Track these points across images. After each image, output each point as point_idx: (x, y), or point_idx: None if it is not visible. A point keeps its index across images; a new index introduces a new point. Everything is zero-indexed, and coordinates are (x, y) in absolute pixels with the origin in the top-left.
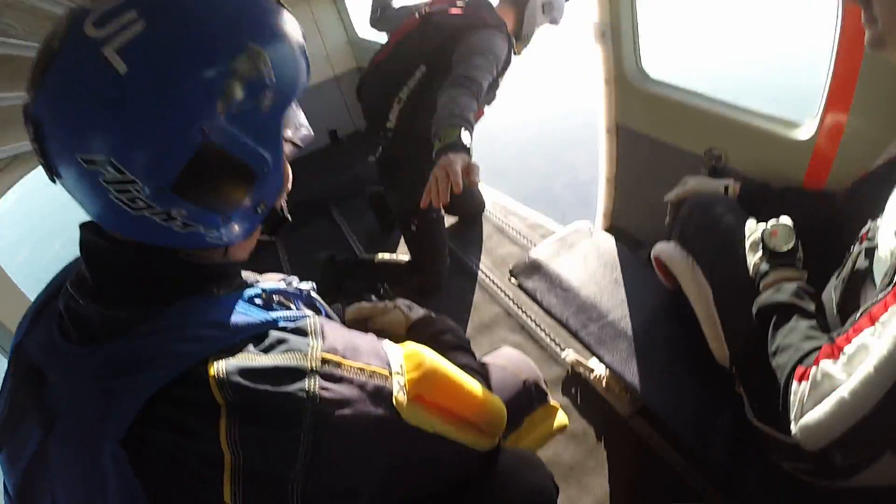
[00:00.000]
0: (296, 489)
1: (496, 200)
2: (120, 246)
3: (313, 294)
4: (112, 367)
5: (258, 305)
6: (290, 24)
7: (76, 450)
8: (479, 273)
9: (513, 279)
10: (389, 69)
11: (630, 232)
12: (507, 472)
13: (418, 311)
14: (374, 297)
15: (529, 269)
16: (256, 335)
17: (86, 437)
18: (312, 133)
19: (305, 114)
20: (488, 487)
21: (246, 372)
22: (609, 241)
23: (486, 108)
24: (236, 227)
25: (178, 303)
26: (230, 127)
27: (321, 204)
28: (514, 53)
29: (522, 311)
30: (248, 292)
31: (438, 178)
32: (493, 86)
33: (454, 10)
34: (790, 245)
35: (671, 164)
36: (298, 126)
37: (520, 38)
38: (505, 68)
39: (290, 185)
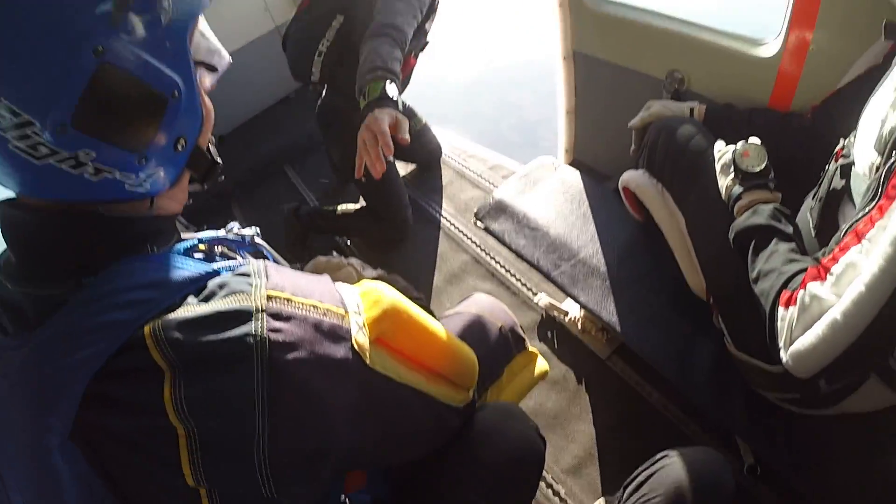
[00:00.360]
0: (261, 456)
1: (454, 143)
2: (39, 215)
3: (258, 240)
4: (44, 352)
5: (197, 259)
6: None
7: (22, 453)
8: (443, 220)
9: (479, 223)
10: (308, 20)
11: (594, 166)
12: (490, 429)
13: (371, 272)
14: (335, 253)
15: (495, 211)
16: (197, 289)
17: (29, 439)
18: (229, 57)
19: (247, 72)
20: (470, 446)
21: (184, 324)
22: (574, 175)
23: (421, 55)
24: (157, 172)
25: (109, 268)
26: (129, 44)
27: (275, 164)
28: None
29: (491, 258)
30: (184, 245)
31: (367, 141)
32: (421, 31)
33: None
34: (763, 165)
35: (633, 90)
36: (211, 49)
37: None
38: (432, 10)
39: (212, 120)
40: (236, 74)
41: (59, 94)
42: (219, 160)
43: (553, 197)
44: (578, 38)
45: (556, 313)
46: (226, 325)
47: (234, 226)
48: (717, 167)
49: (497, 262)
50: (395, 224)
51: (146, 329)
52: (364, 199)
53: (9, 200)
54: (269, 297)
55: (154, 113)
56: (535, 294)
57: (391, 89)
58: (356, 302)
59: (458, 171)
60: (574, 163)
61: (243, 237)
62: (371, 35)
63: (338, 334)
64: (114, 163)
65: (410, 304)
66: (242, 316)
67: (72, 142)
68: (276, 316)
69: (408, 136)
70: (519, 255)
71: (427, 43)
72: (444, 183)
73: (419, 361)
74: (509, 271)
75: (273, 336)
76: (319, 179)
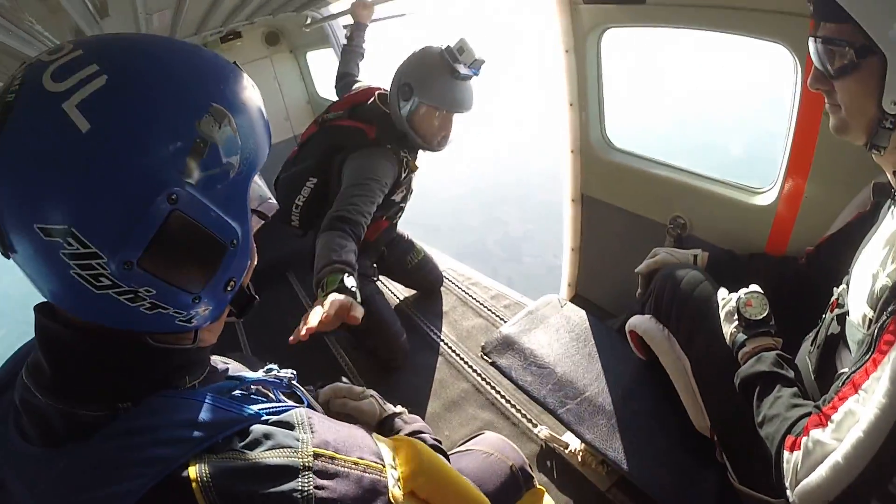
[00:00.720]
0: None
1: (456, 269)
2: (81, 333)
3: (294, 382)
4: (79, 476)
5: (237, 399)
6: (252, 88)
7: None
8: (443, 346)
9: (486, 357)
10: (293, 172)
11: (596, 302)
12: None
13: (391, 407)
14: (345, 380)
15: (502, 347)
16: (239, 432)
17: None
18: (276, 203)
19: (263, 174)
20: None
21: (232, 473)
22: (579, 314)
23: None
24: (206, 308)
25: (149, 399)
26: (199, 194)
27: (277, 269)
28: (406, 169)
29: (491, 388)
30: (225, 384)
31: (312, 309)
32: (390, 202)
33: (345, 122)
34: (764, 313)
35: (637, 232)
36: (262, 196)
37: (419, 141)
38: (397, 183)
39: (255, 261)
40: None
41: (131, 234)
42: (256, 297)
43: (559, 335)
44: (586, 182)
45: (556, 445)
46: (275, 480)
47: (274, 367)
48: (722, 314)
49: (498, 392)
50: (391, 354)
51: (191, 471)
52: (355, 337)
53: (45, 309)
54: (315, 455)
55: (214, 259)
56: (535, 425)
57: (349, 281)
58: (391, 455)
59: (460, 298)
60: (576, 298)
61: (280, 379)
62: (326, 228)
63: (377, 489)
64: (170, 301)
65: (440, 460)
66: (290, 472)
67: (135, 279)
68: (322, 474)
69: (359, 317)
70: (525, 392)
71: (401, 209)
72: (445, 309)
73: None
74: (510, 402)
75: (319, 493)
76: None
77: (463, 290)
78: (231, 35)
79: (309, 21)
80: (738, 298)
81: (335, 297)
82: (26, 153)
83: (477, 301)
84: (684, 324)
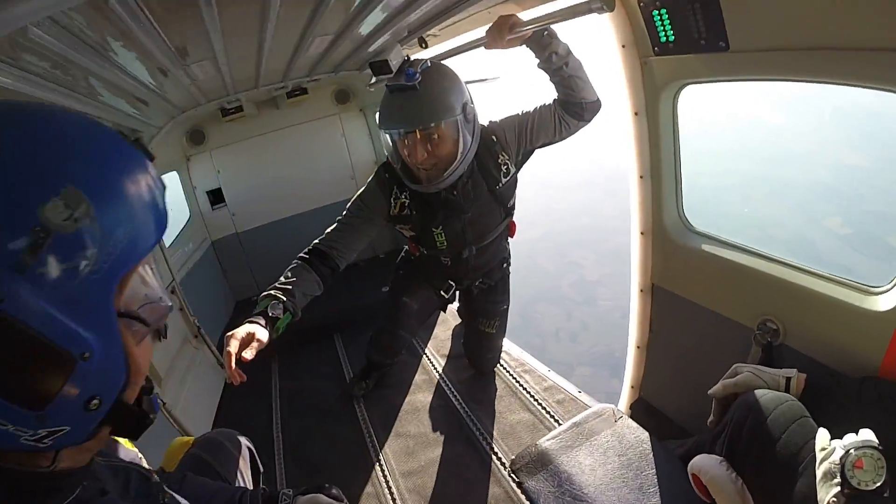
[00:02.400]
0: None
1: (509, 352)
2: None
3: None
4: None
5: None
6: (135, 166)
7: None
8: (481, 443)
9: (514, 475)
10: None
11: (663, 410)
12: None
13: None
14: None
15: (535, 464)
16: None
17: None
18: (170, 304)
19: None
20: None
21: None
22: (636, 433)
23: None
24: (62, 429)
25: None
26: (34, 294)
27: (325, 330)
28: (397, 202)
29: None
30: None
31: (227, 346)
32: (402, 236)
33: None
34: (879, 481)
35: (717, 336)
36: (149, 298)
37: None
38: (401, 217)
39: (144, 372)
40: (316, 229)
41: None
42: (152, 414)
43: (606, 457)
44: (658, 270)
45: None
46: None
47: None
48: (819, 472)
49: None
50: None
51: None
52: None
53: None
54: None
55: (55, 373)
56: None
57: (274, 309)
58: None
59: (509, 386)
60: (639, 402)
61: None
62: (299, 256)
63: None
64: (6, 416)
65: None
66: None
67: None
68: None
69: (249, 355)
70: None
71: (442, 246)
72: (495, 396)
73: None
74: None
75: None
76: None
77: (514, 377)
78: (298, 91)
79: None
80: (845, 454)
81: (238, 331)
82: None
83: (527, 392)
84: (766, 478)
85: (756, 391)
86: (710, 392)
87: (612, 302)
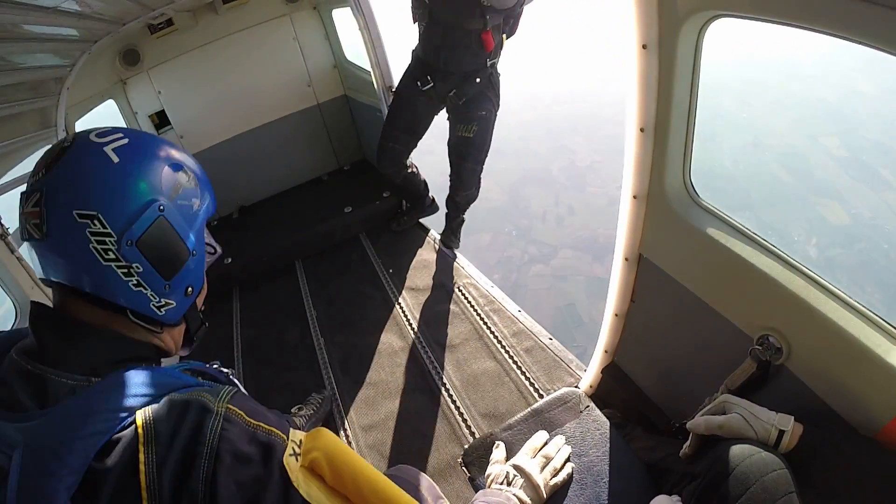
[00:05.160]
0: None
1: (478, 284)
2: (75, 321)
3: (232, 377)
4: (67, 421)
5: (184, 374)
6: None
7: (35, 477)
8: (444, 396)
9: (464, 469)
10: None
11: (634, 378)
12: None
13: None
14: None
15: (487, 458)
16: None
17: (44, 470)
18: (220, 252)
19: (284, 144)
20: None
21: (165, 410)
22: (601, 427)
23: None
24: (172, 304)
25: (117, 371)
26: (176, 211)
27: (286, 258)
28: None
29: None
30: (179, 365)
31: None
32: None
33: None
34: None
35: (706, 330)
36: (212, 244)
37: None
38: None
39: (205, 295)
40: (272, 144)
41: (134, 223)
42: (206, 323)
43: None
44: (649, 241)
45: None
46: (192, 411)
47: (217, 363)
48: None
49: None
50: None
51: (139, 417)
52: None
53: (50, 308)
54: (228, 409)
55: (180, 258)
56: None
57: None
58: (300, 437)
59: (475, 328)
60: (611, 366)
61: (222, 372)
62: None
63: (271, 448)
64: (150, 281)
65: (343, 446)
66: (205, 411)
67: (131, 255)
68: (228, 420)
69: None
70: None
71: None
72: (453, 339)
73: (349, 497)
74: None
75: (224, 433)
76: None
77: (481, 318)
78: None
79: None
80: None
81: None
82: (80, 170)
83: (494, 337)
84: None
85: (740, 449)
86: (689, 425)
87: (600, 189)
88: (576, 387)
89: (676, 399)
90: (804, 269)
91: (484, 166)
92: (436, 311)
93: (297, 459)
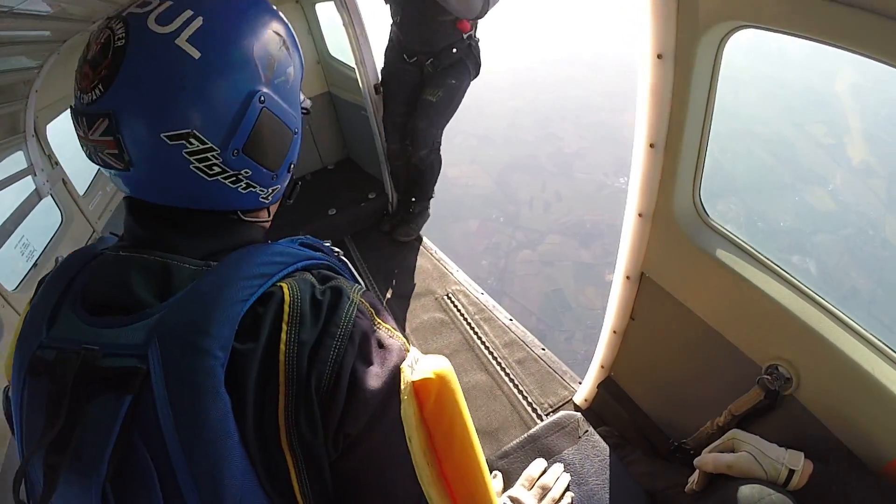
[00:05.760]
0: (311, 386)
1: (468, 291)
2: (188, 216)
3: (343, 257)
4: (196, 301)
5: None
6: (285, 23)
7: (184, 361)
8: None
9: None
10: None
11: (631, 395)
12: None
13: None
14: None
15: None
16: (308, 267)
17: (191, 350)
18: (309, 104)
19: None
20: None
21: (307, 286)
22: (600, 452)
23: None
24: (278, 187)
25: (239, 250)
26: (276, 96)
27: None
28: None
29: None
30: (294, 239)
31: None
32: None
33: None
34: None
35: (711, 355)
36: (304, 100)
37: None
38: None
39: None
40: None
41: (237, 129)
42: (299, 182)
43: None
44: (652, 260)
45: None
46: (333, 296)
47: (328, 242)
48: None
49: None
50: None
51: (285, 290)
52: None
53: (148, 202)
54: (361, 301)
55: (287, 144)
56: None
57: None
58: (419, 354)
59: (465, 338)
60: (608, 381)
61: (333, 250)
62: None
63: (393, 353)
64: (259, 179)
65: (461, 392)
66: (345, 298)
67: (239, 163)
68: (361, 312)
69: None
70: None
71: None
72: (444, 349)
73: (441, 458)
74: None
75: (357, 320)
76: None
77: (471, 327)
78: None
79: None
80: None
81: None
82: (151, 80)
83: (485, 347)
84: None
85: (750, 491)
86: (697, 462)
87: (587, 175)
88: (570, 400)
89: (675, 418)
90: (817, 297)
91: (443, 133)
92: (424, 319)
93: (411, 373)
